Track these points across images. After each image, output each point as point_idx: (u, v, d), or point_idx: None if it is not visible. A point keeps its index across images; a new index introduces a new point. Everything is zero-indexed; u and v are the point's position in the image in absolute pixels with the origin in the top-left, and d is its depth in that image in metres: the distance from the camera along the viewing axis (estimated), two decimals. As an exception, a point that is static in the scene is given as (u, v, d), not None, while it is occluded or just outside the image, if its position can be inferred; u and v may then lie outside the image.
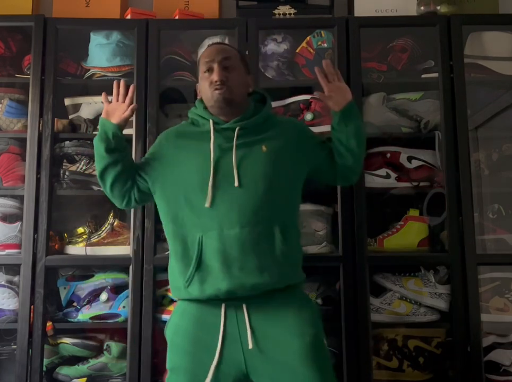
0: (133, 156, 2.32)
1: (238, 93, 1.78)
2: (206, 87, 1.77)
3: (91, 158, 2.45)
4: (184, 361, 1.68)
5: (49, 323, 2.28)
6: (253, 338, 1.63)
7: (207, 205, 1.68)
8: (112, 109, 1.87)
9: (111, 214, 2.43)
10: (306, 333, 1.65)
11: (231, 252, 1.65)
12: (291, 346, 1.63)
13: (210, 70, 1.77)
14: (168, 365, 1.73)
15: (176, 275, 1.74)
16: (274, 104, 2.40)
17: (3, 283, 2.35)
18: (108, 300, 2.34)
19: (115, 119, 1.84)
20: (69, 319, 2.37)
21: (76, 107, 2.51)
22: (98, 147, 1.84)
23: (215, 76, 1.74)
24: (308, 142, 1.86)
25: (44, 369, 2.29)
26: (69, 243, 2.41)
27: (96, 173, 1.87)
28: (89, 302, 2.37)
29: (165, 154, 1.83)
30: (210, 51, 1.80)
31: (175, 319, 1.76)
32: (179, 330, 1.72)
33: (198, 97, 1.88)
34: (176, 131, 1.89)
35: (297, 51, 2.47)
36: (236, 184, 1.69)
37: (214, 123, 1.77)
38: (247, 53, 2.36)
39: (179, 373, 1.68)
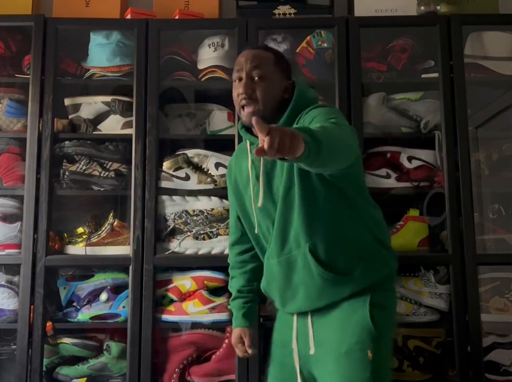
0: (133, 156, 2.33)
1: (268, 105, 1.63)
2: (235, 98, 1.68)
3: (90, 158, 2.46)
4: (275, 353, 1.78)
5: (49, 323, 2.28)
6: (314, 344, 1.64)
7: (255, 231, 1.72)
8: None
9: (111, 214, 2.43)
10: (345, 341, 1.58)
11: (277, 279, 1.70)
12: (331, 353, 1.60)
13: (239, 79, 1.66)
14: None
15: None
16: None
17: (3, 283, 2.35)
18: (108, 300, 2.34)
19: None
20: (69, 319, 2.37)
21: (76, 107, 2.51)
22: None
23: (240, 89, 1.64)
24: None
25: (44, 369, 2.29)
26: (69, 243, 2.41)
27: None
28: (89, 302, 2.37)
29: (232, 186, 1.83)
30: (242, 58, 1.68)
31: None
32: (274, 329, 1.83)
33: None
34: (236, 155, 1.87)
35: (297, 51, 2.47)
36: (259, 204, 1.63)
37: (250, 143, 1.70)
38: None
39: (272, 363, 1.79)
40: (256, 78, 1.64)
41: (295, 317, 1.70)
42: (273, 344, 1.79)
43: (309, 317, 1.66)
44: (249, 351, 1.79)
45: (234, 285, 1.88)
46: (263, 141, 1.21)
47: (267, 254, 1.72)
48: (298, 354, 1.66)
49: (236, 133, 2.28)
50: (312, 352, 1.62)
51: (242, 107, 1.65)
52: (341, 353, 1.56)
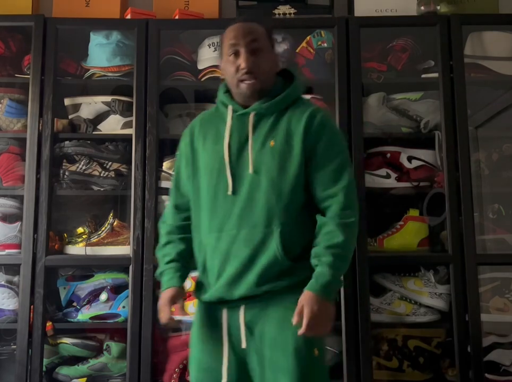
0: (133, 156, 2.33)
1: (267, 79, 1.68)
2: (232, 73, 1.66)
3: (90, 158, 2.46)
4: (197, 352, 1.71)
5: (48, 323, 2.28)
6: (246, 337, 1.62)
7: (229, 192, 1.64)
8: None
9: (111, 214, 2.44)
10: (292, 339, 1.57)
11: (228, 255, 1.65)
12: (271, 352, 1.60)
13: (236, 53, 1.65)
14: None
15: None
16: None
17: (3, 283, 2.35)
18: (107, 300, 2.34)
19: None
20: (69, 319, 2.37)
21: (76, 107, 2.51)
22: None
23: (242, 63, 1.63)
24: (316, 149, 1.65)
25: (44, 369, 2.29)
26: (69, 243, 2.41)
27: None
28: (89, 302, 2.38)
29: (190, 156, 1.77)
30: (236, 32, 1.67)
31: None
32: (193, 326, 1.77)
33: (222, 79, 1.79)
34: (200, 120, 1.82)
35: (297, 51, 2.47)
36: (251, 171, 1.63)
37: (232, 110, 1.70)
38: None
39: (193, 364, 1.72)
40: (255, 50, 1.65)
41: (224, 312, 1.66)
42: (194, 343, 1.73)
43: (242, 310, 1.63)
44: (178, 314, 1.70)
45: (171, 250, 1.76)
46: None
47: (222, 226, 1.65)
48: (230, 349, 1.64)
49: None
50: (243, 346, 1.62)
51: (243, 81, 1.65)
52: (290, 351, 1.57)
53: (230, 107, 1.71)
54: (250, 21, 1.73)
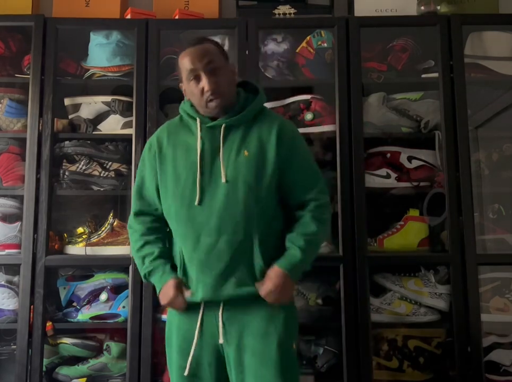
0: (133, 156, 2.33)
1: (230, 94, 1.77)
2: (198, 95, 1.74)
3: (90, 158, 2.46)
4: (175, 353, 1.77)
5: (48, 323, 2.28)
6: (224, 334, 1.70)
7: (196, 203, 1.70)
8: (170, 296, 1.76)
9: (111, 214, 2.44)
10: (272, 335, 1.70)
11: (207, 261, 1.71)
12: (255, 347, 1.69)
13: (196, 78, 1.73)
14: (167, 360, 1.82)
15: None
16: (274, 104, 2.40)
17: (3, 283, 2.35)
18: (107, 300, 2.34)
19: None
20: (69, 319, 2.37)
21: (76, 107, 2.51)
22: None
23: (205, 85, 1.71)
24: (290, 157, 1.77)
25: (44, 369, 2.29)
26: (69, 243, 2.41)
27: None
28: (89, 302, 2.37)
29: (158, 166, 1.80)
30: (192, 56, 1.73)
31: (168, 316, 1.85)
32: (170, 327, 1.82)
33: (185, 98, 1.84)
34: (167, 131, 1.85)
35: (297, 51, 2.47)
36: (223, 180, 1.70)
37: (201, 122, 1.77)
38: (246, 53, 2.36)
39: (172, 367, 1.78)
40: (213, 71, 1.72)
41: (200, 310, 1.72)
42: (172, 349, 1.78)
43: (220, 310, 1.71)
44: (187, 295, 1.73)
45: (152, 250, 1.79)
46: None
47: (199, 233, 1.70)
48: (201, 343, 1.71)
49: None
50: (221, 341, 1.70)
51: (210, 101, 1.73)
52: (271, 347, 1.69)
53: (198, 120, 1.77)
54: (199, 43, 1.77)
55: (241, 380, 1.70)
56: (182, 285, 1.74)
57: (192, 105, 1.81)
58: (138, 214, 1.87)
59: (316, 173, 1.83)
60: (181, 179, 1.74)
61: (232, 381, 1.73)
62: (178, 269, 1.76)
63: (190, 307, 1.73)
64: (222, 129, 1.74)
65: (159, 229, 1.84)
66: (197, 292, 1.71)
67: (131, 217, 1.90)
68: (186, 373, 1.70)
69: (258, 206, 1.71)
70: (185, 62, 1.74)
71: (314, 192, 1.78)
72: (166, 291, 1.74)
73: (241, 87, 1.84)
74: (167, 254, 1.81)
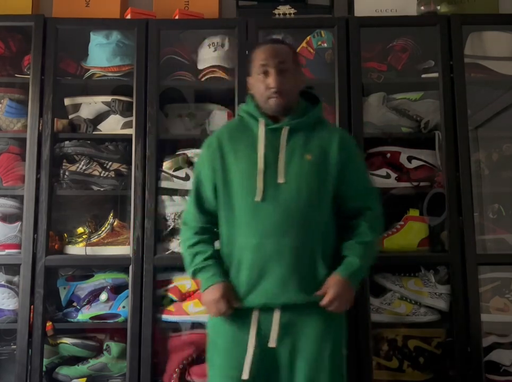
0: (133, 156, 2.33)
1: (292, 97, 1.82)
2: (262, 90, 1.80)
3: (90, 158, 2.45)
4: (221, 359, 1.76)
5: (48, 323, 2.28)
6: (278, 338, 1.70)
7: (257, 199, 1.73)
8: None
9: (111, 214, 2.43)
10: (326, 341, 1.73)
11: (269, 262, 1.72)
12: (309, 352, 1.71)
13: (265, 73, 1.79)
14: (208, 362, 1.82)
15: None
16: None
17: (3, 283, 2.35)
18: (107, 300, 2.34)
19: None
20: (69, 319, 2.37)
21: (76, 107, 2.51)
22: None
23: (271, 82, 1.77)
24: (350, 166, 1.82)
25: (44, 369, 2.29)
26: (69, 243, 2.41)
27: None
28: (89, 302, 2.37)
29: (219, 167, 1.83)
30: (267, 53, 1.80)
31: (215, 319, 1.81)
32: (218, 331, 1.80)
33: (249, 92, 1.90)
34: (228, 133, 1.88)
35: (297, 51, 2.47)
36: (282, 181, 1.74)
37: (264, 123, 1.81)
38: (246, 53, 2.36)
39: (215, 369, 1.78)
40: (283, 70, 1.78)
41: (254, 314, 1.72)
42: (217, 350, 1.78)
43: (277, 312, 1.71)
44: (235, 305, 1.74)
45: (205, 248, 1.81)
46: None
47: (261, 234, 1.72)
48: (257, 348, 1.70)
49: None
50: (273, 345, 1.70)
51: (271, 98, 1.78)
52: (325, 354, 1.72)
53: (262, 122, 1.81)
54: (279, 43, 1.89)
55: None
56: (231, 292, 1.74)
57: (255, 106, 1.85)
58: (196, 211, 1.87)
59: (371, 183, 1.93)
60: (244, 178, 1.77)
61: None
62: (232, 271, 1.77)
63: (242, 311, 1.73)
64: (284, 131, 1.79)
65: (211, 231, 1.86)
66: (255, 296, 1.72)
67: (186, 214, 1.92)
68: (246, 377, 1.69)
69: (318, 210, 1.76)
70: (258, 56, 1.82)
71: (370, 202, 1.85)
72: (211, 292, 1.74)
73: (301, 96, 1.89)
74: (218, 256, 1.82)
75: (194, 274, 1.81)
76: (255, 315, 1.72)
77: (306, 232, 1.73)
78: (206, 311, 1.81)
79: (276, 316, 1.71)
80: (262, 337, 1.71)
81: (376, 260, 1.84)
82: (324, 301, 1.70)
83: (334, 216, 1.82)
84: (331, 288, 1.71)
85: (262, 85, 1.79)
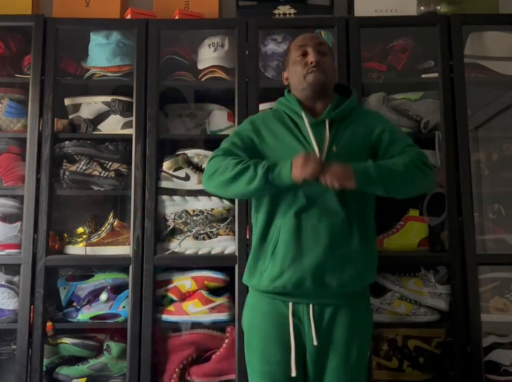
0: (133, 156, 2.33)
1: (331, 78, 1.83)
2: (299, 71, 1.81)
3: (90, 158, 2.46)
4: (261, 344, 1.76)
5: (49, 323, 2.28)
6: (317, 336, 1.70)
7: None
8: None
9: (111, 214, 2.44)
10: (353, 340, 1.73)
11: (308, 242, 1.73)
12: (339, 351, 1.72)
13: (304, 54, 1.81)
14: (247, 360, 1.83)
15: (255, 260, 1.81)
16: (274, 104, 2.40)
17: (3, 283, 2.35)
18: (108, 300, 2.34)
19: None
20: (69, 319, 2.37)
21: (76, 107, 2.51)
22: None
23: (311, 57, 1.79)
24: (384, 136, 1.82)
25: (44, 369, 2.29)
26: (69, 243, 2.41)
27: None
28: (89, 302, 2.38)
29: (256, 139, 1.82)
30: (304, 37, 1.86)
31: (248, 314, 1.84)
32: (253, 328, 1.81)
33: (286, 85, 1.92)
34: (262, 119, 1.89)
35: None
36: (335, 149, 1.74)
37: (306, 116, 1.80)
38: (246, 53, 2.36)
39: (255, 363, 1.78)
40: (322, 53, 1.82)
41: (290, 306, 1.72)
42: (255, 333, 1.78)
43: (310, 308, 1.71)
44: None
45: (257, 160, 1.73)
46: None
47: (302, 213, 1.72)
48: (297, 343, 1.71)
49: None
50: (315, 343, 1.69)
51: (311, 72, 1.79)
52: (356, 350, 1.73)
53: (304, 115, 1.80)
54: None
55: (319, 381, 1.72)
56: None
57: (295, 100, 1.84)
58: (228, 153, 1.80)
59: (410, 140, 1.86)
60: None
61: (310, 380, 1.74)
62: (270, 242, 1.75)
63: (277, 302, 1.74)
64: (327, 125, 1.78)
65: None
66: (291, 276, 1.70)
67: (217, 157, 1.82)
68: (293, 374, 1.68)
69: (353, 197, 1.74)
70: (296, 42, 1.86)
71: (412, 149, 1.80)
72: (298, 159, 1.65)
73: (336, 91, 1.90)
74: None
75: (264, 175, 1.67)
76: (290, 308, 1.72)
77: (345, 217, 1.73)
78: (304, 174, 1.65)
79: (311, 310, 1.71)
80: (296, 333, 1.71)
81: (398, 186, 1.75)
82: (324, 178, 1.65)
83: (372, 205, 1.85)
84: (333, 166, 1.66)
85: (299, 66, 1.81)
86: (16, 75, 2.49)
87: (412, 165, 1.73)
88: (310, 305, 1.72)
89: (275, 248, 1.74)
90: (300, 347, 1.72)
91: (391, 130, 1.85)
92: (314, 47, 1.81)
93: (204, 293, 2.29)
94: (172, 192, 2.39)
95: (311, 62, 1.78)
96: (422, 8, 2.48)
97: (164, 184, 2.38)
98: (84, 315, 2.34)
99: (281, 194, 1.75)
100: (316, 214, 1.72)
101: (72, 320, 2.36)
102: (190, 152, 2.44)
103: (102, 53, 2.45)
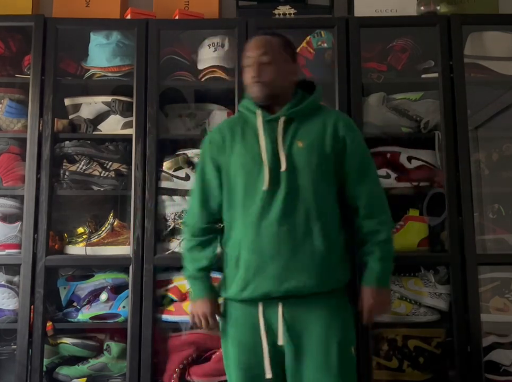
0: (133, 156, 2.33)
1: (277, 86, 1.82)
2: (247, 81, 1.86)
3: (90, 158, 2.46)
4: (235, 353, 1.78)
5: (49, 323, 2.28)
6: (284, 335, 1.70)
7: (264, 188, 1.74)
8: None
9: (111, 214, 2.44)
10: (331, 339, 1.71)
11: (269, 250, 1.73)
12: (314, 351, 1.70)
13: (250, 65, 1.84)
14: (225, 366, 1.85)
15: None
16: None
17: (3, 283, 2.35)
18: (108, 300, 2.34)
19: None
20: (69, 319, 2.37)
21: (76, 107, 2.51)
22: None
23: (251, 71, 1.82)
24: (348, 149, 1.82)
25: (44, 369, 2.29)
26: (69, 243, 2.41)
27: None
28: (89, 302, 2.37)
29: (221, 159, 1.86)
30: (251, 46, 1.87)
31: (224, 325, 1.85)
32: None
33: (245, 95, 1.94)
34: (228, 125, 1.93)
35: (297, 51, 2.47)
36: (283, 168, 1.75)
37: (262, 116, 1.83)
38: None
39: (232, 370, 1.79)
40: (265, 62, 1.81)
41: (260, 308, 1.72)
42: (230, 343, 1.80)
43: (279, 307, 1.71)
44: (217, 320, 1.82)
45: (201, 255, 1.85)
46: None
47: (257, 222, 1.73)
48: (269, 344, 1.71)
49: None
50: (280, 342, 1.70)
51: (253, 87, 1.83)
52: (331, 351, 1.70)
53: (258, 113, 1.84)
54: (268, 34, 1.91)
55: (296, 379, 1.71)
56: (218, 309, 1.83)
57: (252, 100, 1.87)
58: (197, 211, 1.90)
59: (368, 165, 1.87)
60: (248, 168, 1.79)
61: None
62: (233, 256, 1.78)
63: (249, 307, 1.74)
64: (280, 121, 1.81)
65: (213, 230, 1.89)
66: (260, 285, 1.72)
67: (188, 215, 1.97)
68: (269, 376, 1.70)
69: (317, 195, 1.75)
70: (246, 50, 1.88)
71: (366, 187, 1.82)
72: (201, 305, 1.81)
73: (302, 88, 1.90)
74: (213, 260, 1.87)
75: (188, 279, 1.90)
76: (260, 310, 1.72)
77: (304, 217, 1.73)
78: (191, 319, 1.85)
79: (280, 310, 1.71)
80: (270, 332, 1.71)
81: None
82: (364, 319, 1.78)
83: (337, 203, 1.82)
84: (365, 304, 1.77)
85: (247, 75, 1.85)
86: (16, 75, 2.49)
87: (389, 238, 1.82)
88: (280, 305, 1.71)
89: (238, 261, 1.76)
90: (275, 348, 1.71)
91: (359, 150, 1.86)
92: (256, 59, 1.81)
93: (204, 293, 2.29)
94: (172, 192, 2.39)
95: (252, 77, 1.82)
96: (422, 8, 2.48)
97: (164, 184, 2.38)
98: (84, 315, 2.34)
99: (235, 207, 1.80)
100: (274, 220, 1.72)
101: (72, 320, 2.36)
102: (190, 152, 2.44)
103: (102, 53, 2.45)
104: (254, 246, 1.74)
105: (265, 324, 1.71)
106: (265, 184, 1.74)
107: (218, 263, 1.87)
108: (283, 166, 1.75)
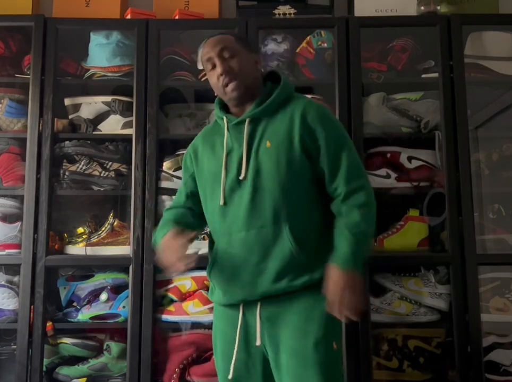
0: (133, 156, 2.33)
1: (248, 79, 1.73)
2: (216, 83, 1.76)
3: (90, 158, 2.46)
4: (220, 359, 1.78)
5: (49, 323, 2.28)
6: (262, 336, 1.68)
7: (221, 203, 1.72)
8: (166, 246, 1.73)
9: (111, 214, 2.44)
10: (310, 333, 1.65)
11: (240, 257, 1.70)
12: (294, 347, 1.65)
13: (213, 66, 1.75)
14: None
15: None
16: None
17: (3, 283, 2.35)
18: (108, 300, 2.34)
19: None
20: (69, 319, 2.37)
21: (76, 107, 2.51)
22: None
23: (218, 69, 1.72)
24: (320, 143, 1.69)
25: (44, 369, 2.29)
26: (69, 243, 2.41)
27: None
28: (89, 302, 2.38)
29: (195, 170, 1.86)
30: (208, 47, 1.77)
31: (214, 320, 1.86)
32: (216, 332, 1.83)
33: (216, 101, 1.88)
34: (203, 135, 1.92)
35: (297, 51, 2.47)
36: (242, 177, 1.69)
37: (227, 120, 1.77)
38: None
39: (219, 371, 1.81)
40: (227, 56, 1.73)
41: (240, 309, 1.72)
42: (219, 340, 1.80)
43: (258, 307, 1.69)
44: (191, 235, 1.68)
45: (170, 214, 1.86)
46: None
47: (231, 229, 1.71)
48: (243, 345, 1.71)
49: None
50: (258, 343, 1.67)
51: (226, 85, 1.73)
52: (309, 346, 1.64)
53: (225, 119, 1.78)
54: (218, 35, 1.81)
55: (279, 381, 1.68)
56: (181, 232, 1.70)
57: (220, 108, 1.82)
58: (173, 206, 1.92)
59: (341, 150, 1.70)
60: (213, 179, 1.76)
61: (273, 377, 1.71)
62: (211, 266, 1.77)
63: (231, 310, 1.74)
64: (246, 124, 1.73)
65: (189, 214, 1.87)
66: (234, 292, 1.72)
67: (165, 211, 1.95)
68: (230, 376, 1.69)
69: (286, 196, 1.67)
70: (203, 55, 1.78)
71: (340, 178, 1.68)
72: (165, 240, 1.71)
73: (270, 80, 1.81)
74: (186, 216, 1.84)
75: (155, 235, 1.83)
76: (240, 311, 1.71)
77: (272, 220, 1.66)
78: (165, 265, 1.71)
79: (257, 311, 1.69)
80: (252, 335, 1.70)
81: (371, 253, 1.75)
82: (328, 307, 1.61)
83: (318, 198, 1.72)
84: (329, 282, 1.61)
85: (214, 78, 1.75)
86: (16, 75, 2.49)
87: (363, 223, 1.67)
88: (258, 305, 1.70)
89: (212, 269, 1.76)
90: (257, 350, 1.71)
91: (333, 144, 1.70)
92: (218, 55, 1.72)
93: (204, 293, 2.29)
94: (172, 192, 2.38)
95: (220, 74, 1.72)
96: (422, 8, 2.48)
97: (164, 184, 2.38)
98: (84, 315, 2.34)
99: (210, 217, 1.79)
100: (241, 227, 1.69)
101: (72, 320, 2.36)
102: (190, 152, 2.44)
103: (102, 53, 2.45)
104: (226, 256, 1.73)
105: (246, 326, 1.70)
106: (221, 200, 1.71)
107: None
108: (242, 174, 1.69)
